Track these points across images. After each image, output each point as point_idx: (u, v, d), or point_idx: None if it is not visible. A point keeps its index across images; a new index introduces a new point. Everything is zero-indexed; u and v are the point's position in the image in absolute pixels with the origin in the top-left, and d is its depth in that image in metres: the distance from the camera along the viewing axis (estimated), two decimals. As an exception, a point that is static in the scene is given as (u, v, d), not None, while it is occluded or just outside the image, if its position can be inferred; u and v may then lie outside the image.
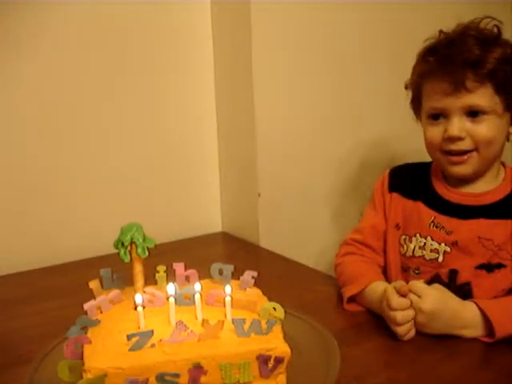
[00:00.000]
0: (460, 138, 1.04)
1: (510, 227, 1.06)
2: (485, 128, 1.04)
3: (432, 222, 1.11)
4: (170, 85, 1.54)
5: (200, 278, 0.89)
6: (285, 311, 0.82)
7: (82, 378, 0.72)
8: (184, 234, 1.57)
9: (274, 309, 0.81)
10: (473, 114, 1.04)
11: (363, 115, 1.62)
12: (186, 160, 1.60)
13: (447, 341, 0.95)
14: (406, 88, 1.16)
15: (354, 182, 1.63)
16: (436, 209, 1.12)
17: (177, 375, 0.73)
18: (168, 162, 1.58)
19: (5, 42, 1.33)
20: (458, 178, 1.10)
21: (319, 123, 1.57)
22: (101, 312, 0.84)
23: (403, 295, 0.96)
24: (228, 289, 0.83)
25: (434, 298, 0.95)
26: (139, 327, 0.79)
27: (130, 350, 0.74)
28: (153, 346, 0.74)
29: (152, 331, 0.75)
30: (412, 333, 0.96)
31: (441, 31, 1.10)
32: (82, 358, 0.74)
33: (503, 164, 1.13)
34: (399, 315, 0.94)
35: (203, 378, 0.74)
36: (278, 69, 1.48)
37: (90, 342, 0.76)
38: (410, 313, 0.95)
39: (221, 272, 0.90)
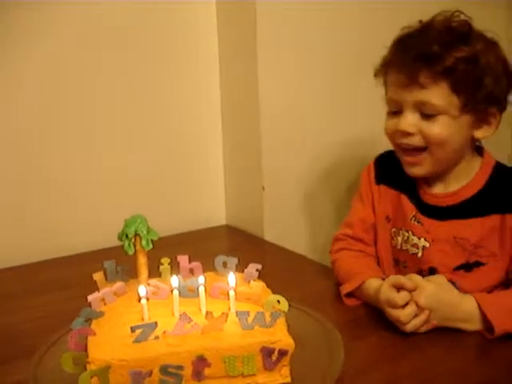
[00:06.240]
0: (409, 134, 1.01)
1: (485, 224, 1.02)
2: (437, 128, 0.99)
3: (413, 216, 1.09)
4: (175, 80, 1.54)
5: (204, 270, 0.90)
6: (289, 304, 0.82)
7: (85, 369, 0.72)
8: (188, 227, 1.57)
9: (278, 301, 0.81)
10: (426, 112, 0.99)
11: (367, 111, 1.60)
12: (190, 153, 1.60)
13: (450, 335, 0.94)
14: (375, 76, 1.10)
15: (359, 177, 1.62)
16: (416, 205, 1.10)
17: (180, 367, 0.73)
18: (172, 154, 1.57)
19: (5, 41, 1.32)
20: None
21: (323, 118, 1.56)
22: (105, 304, 0.85)
23: (410, 290, 0.94)
24: (232, 281, 0.83)
25: (430, 292, 0.93)
26: (143, 319, 0.79)
27: (134, 341, 0.74)
28: (157, 338, 0.75)
29: (156, 323, 0.75)
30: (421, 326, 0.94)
31: (420, 21, 1.05)
32: (85, 350, 0.74)
33: (482, 153, 1.07)
34: (402, 314, 0.93)
35: (207, 370, 0.74)
36: (282, 66, 1.48)
37: (94, 334, 0.76)
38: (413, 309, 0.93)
39: (225, 265, 0.90)
